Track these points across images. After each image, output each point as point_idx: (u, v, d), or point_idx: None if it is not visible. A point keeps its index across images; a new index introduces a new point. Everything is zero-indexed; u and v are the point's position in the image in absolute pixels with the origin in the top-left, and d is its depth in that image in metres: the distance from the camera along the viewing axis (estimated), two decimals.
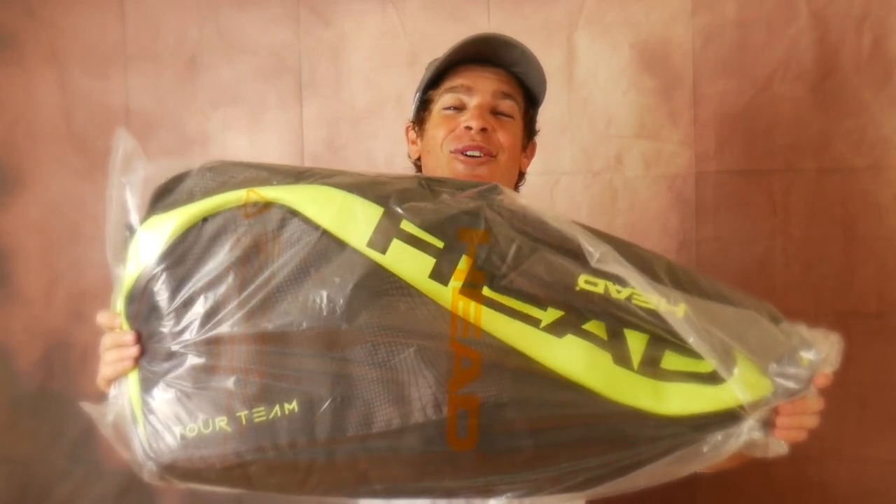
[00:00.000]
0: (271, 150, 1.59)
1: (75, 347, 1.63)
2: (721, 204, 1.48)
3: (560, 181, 1.52)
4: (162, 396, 0.77)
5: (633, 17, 1.48)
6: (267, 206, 0.78)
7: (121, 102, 1.61)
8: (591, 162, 1.51)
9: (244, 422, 0.75)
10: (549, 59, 1.50)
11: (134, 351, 0.79)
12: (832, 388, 1.44)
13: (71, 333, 1.63)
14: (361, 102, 1.57)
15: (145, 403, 0.78)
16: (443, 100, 1.04)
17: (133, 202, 0.80)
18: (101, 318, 0.82)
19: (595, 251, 0.75)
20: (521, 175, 1.11)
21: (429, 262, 0.76)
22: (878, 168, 1.43)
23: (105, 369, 0.81)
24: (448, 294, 0.76)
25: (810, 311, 1.46)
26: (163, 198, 0.80)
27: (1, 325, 1.65)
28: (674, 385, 0.77)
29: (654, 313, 0.75)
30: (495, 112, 1.03)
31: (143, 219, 0.79)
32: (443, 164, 1.02)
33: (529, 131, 1.10)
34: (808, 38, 1.44)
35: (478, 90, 1.02)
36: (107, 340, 0.81)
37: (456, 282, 0.76)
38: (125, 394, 0.80)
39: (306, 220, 0.77)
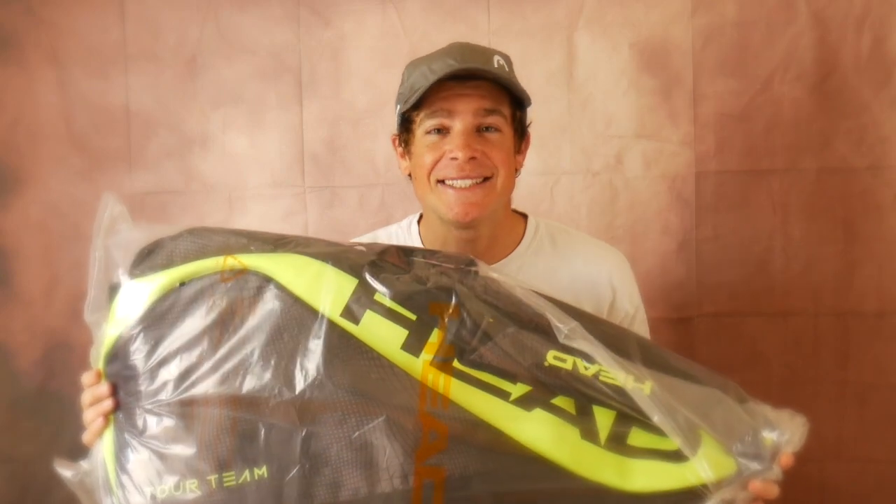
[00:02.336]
0: (271, 150, 1.59)
1: (75, 347, 1.63)
2: (721, 204, 1.48)
3: (560, 181, 1.52)
4: (136, 456, 0.79)
5: (633, 17, 1.48)
6: (243, 272, 0.80)
7: (121, 102, 1.61)
8: (591, 162, 1.51)
9: (214, 485, 0.76)
10: (549, 60, 1.50)
11: (108, 404, 0.81)
12: (832, 388, 1.46)
13: (71, 333, 1.63)
14: (361, 102, 1.57)
15: (119, 463, 0.80)
16: (425, 123, 0.99)
17: (115, 264, 0.82)
18: (85, 378, 0.84)
19: (564, 327, 0.77)
20: (516, 172, 1.08)
21: (401, 333, 0.78)
22: (878, 168, 1.43)
23: (85, 434, 0.83)
24: (419, 366, 0.78)
25: (810, 310, 1.46)
26: (144, 261, 0.82)
27: (1, 325, 1.65)
28: (639, 462, 0.78)
29: (620, 391, 0.76)
30: (481, 129, 0.99)
31: (125, 281, 0.81)
32: (435, 193, 0.99)
33: (521, 132, 1.06)
34: (808, 38, 1.44)
35: (459, 112, 0.97)
36: (86, 397, 0.83)
37: (427, 354, 0.78)
38: (100, 452, 0.81)
39: (281, 288, 0.79)
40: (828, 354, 1.46)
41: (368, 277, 0.79)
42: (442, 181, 0.98)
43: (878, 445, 1.45)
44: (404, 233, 1.12)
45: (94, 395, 0.82)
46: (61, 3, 1.61)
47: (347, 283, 0.79)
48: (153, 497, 0.77)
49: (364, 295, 0.79)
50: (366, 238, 1.14)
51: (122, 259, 0.82)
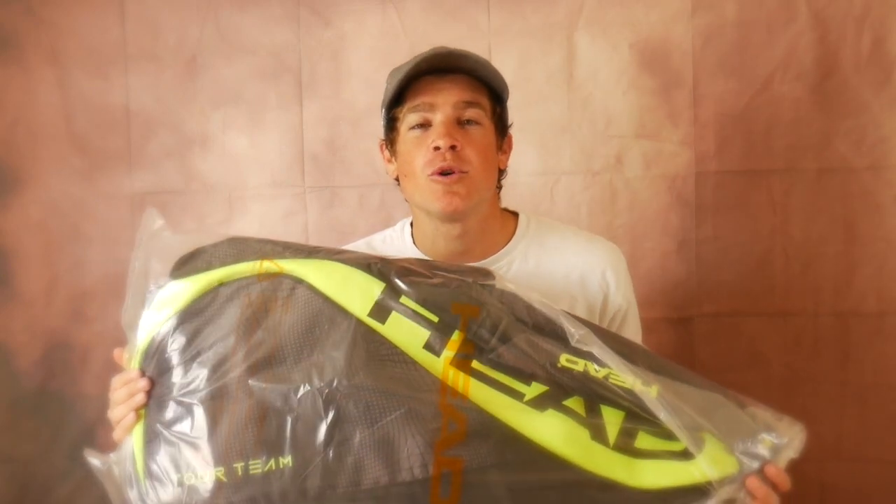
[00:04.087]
0: (271, 150, 1.59)
1: (75, 347, 1.63)
2: (721, 204, 1.48)
3: (560, 181, 1.52)
4: (165, 445, 0.81)
5: (633, 17, 1.48)
6: (279, 274, 0.86)
7: (121, 102, 1.61)
8: (591, 162, 1.51)
9: (240, 473, 0.79)
10: (549, 59, 1.50)
11: (142, 398, 0.83)
12: (832, 388, 1.46)
13: (71, 333, 1.63)
14: (361, 102, 1.57)
15: (148, 452, 0.82)
16: (408, 119, 1.03)
17: (155, 269, 0.86)
18: (116, 379, 0.86)
19: (576, 332, 0.81)
20: (502, 172, 1.10)
21: (423, 334, 0.83)
22: (878, 168, 1.43)
23: (116, 431, 0.85)
24: (440, 364, 0.82)
25: (810, 310, 1.46)
26: (184, 265, 0.87)
27: (1, 325, 1.65)
28: (647, 461, 0.81)
29: (629, 391, 0.80)
30: (462, 122, 1.01)
31: (163, 283, 0.86)
32: (422, 187, 1.01)
33: (501, 128, 1.08)
34: (808, 38, 1.44)
35: (439, 105, 1.00)
36: (120, 394, 0.85)
37: (448, 352, 0.83)
38: (129, 445, 0.84)
39: (313, 289, 0.85)
40: (828, 354, 1.46)
41: (396, 280, 0.85)
42: (430, 175, 1.00)
43: (878, 445, 1.45)
44: (398, 236, 1.13)
45: (129, 391, 0.84)
46: (61, 3, 1.61)
47: (376, 286, 0.84)
48: (180, 483, 0.80)
49: (391, 297, 0.84)
50: (360, 243, 1.15)
51: (162, 263, 0.86)
